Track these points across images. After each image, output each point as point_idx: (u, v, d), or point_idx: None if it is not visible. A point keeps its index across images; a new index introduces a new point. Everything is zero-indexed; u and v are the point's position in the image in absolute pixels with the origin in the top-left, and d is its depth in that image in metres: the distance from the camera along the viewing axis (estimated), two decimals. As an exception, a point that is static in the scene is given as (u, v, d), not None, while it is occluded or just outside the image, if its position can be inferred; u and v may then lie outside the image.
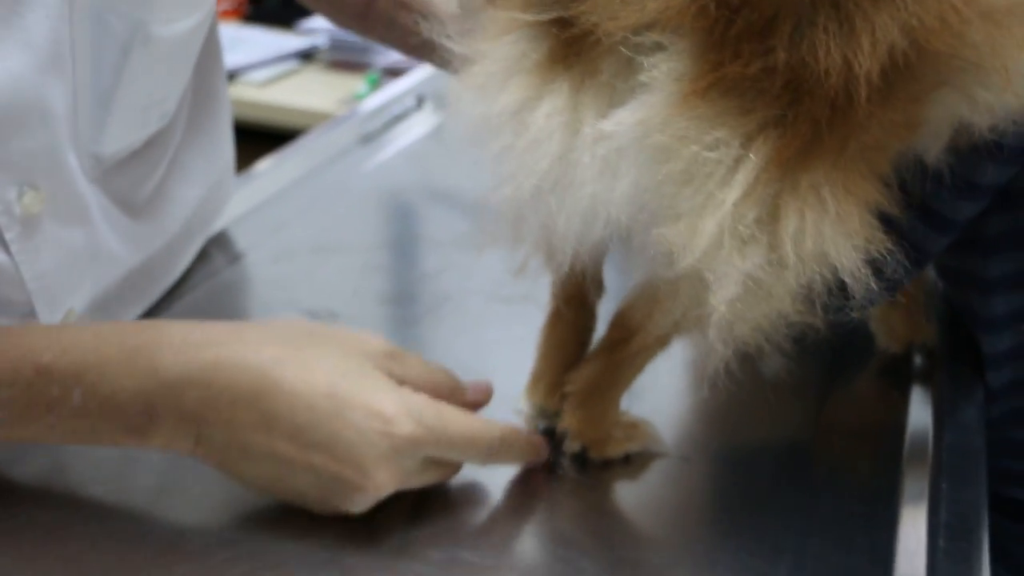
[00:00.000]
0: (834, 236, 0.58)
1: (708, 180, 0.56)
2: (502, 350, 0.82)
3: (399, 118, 1.28)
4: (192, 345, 0.60)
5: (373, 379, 0.62)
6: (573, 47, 0.59)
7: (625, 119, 0.57)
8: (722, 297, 0.57)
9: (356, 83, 2.23)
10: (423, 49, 0.89)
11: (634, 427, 0.72)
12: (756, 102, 0.55)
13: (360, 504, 0.61)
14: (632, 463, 0.72)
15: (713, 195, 0.56)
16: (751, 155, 0.55)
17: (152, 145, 0.80)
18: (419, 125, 1.28)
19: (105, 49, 0.70)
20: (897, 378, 0.82)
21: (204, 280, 0.93)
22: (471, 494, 0.68)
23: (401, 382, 0.63)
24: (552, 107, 0.59)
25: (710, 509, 0.70)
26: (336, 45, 2.35)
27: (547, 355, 0.73)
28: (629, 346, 0.68)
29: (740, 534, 0.65)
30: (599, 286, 0.72)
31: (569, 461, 0.71)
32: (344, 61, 2.32)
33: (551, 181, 0.59)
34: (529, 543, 0.67)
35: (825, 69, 0.55)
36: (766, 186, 0.56)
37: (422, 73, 1.39)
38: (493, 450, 0.65)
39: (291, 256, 0.97)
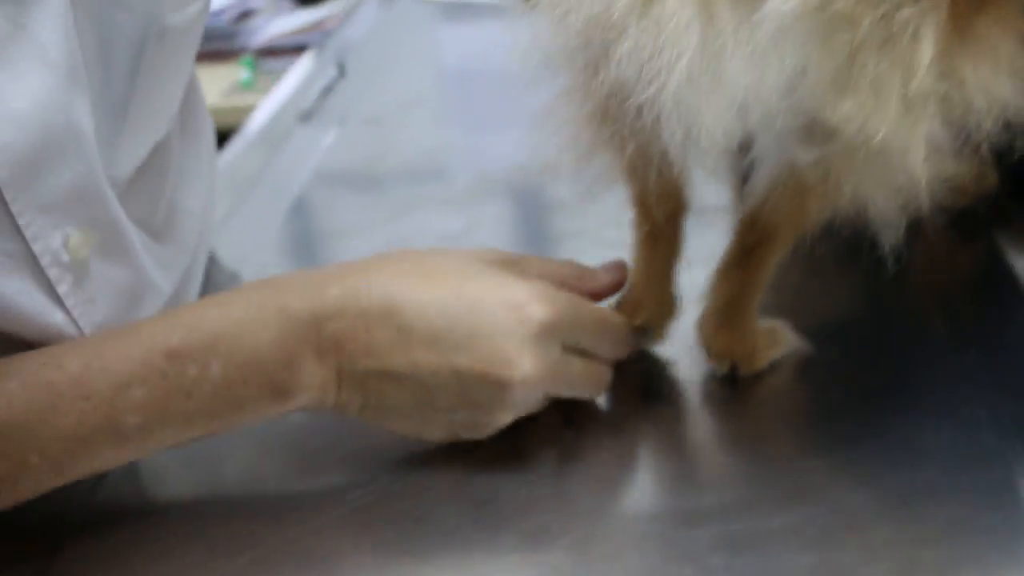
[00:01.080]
0: (1005, 78, 0.54)
1: (898, 43, 0.50)
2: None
3: (328, 90, 1.19)
4: (314, 285, 0.59)
5: (498, 275, 0.60)
6: None
7: None
8: (918, 159, 0.52)
9: (232, 71, 2.09)
10: None
11: (773, 331, 0.68)
12: None
13: (510, 407, 0.59)
14: (777, 370, 0.67)
15: (903, 59, 0.50)
16: (937, 6, 0.50)
17: (157, 154, 0.70)
18: (349, 95, 1.18)
19: (117, 52, 0.60)
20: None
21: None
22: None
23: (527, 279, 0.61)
24: None
25: (863, 394, 0.66)
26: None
27: (652, 279, 0.67)
28: (766, 249, 0.63)
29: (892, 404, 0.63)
30: (688, 200, 0.66)
31: (719, 382, 0.66)
32: (210, 52, 2.18)
33: (694, 77, 0.52)
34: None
35: None
36: (948, 40, 0.51)
37: (335, 40, 1.30)
38: (622, 336, 0.64)
39: (289, 260, 0.89)
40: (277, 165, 1.03)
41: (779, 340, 0.67)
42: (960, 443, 0.60)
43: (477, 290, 0.59)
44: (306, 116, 1.12)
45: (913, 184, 0.55)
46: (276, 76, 1.44)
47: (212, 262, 0.86)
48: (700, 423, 0.64)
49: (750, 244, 0.64)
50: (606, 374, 0.64)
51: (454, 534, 0.57)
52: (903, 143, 0.52)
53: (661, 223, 0.65)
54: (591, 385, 0.63)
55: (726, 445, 0.62)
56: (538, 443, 0.62)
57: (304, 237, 0.92)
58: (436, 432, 0.61)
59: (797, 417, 0.64)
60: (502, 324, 0.58)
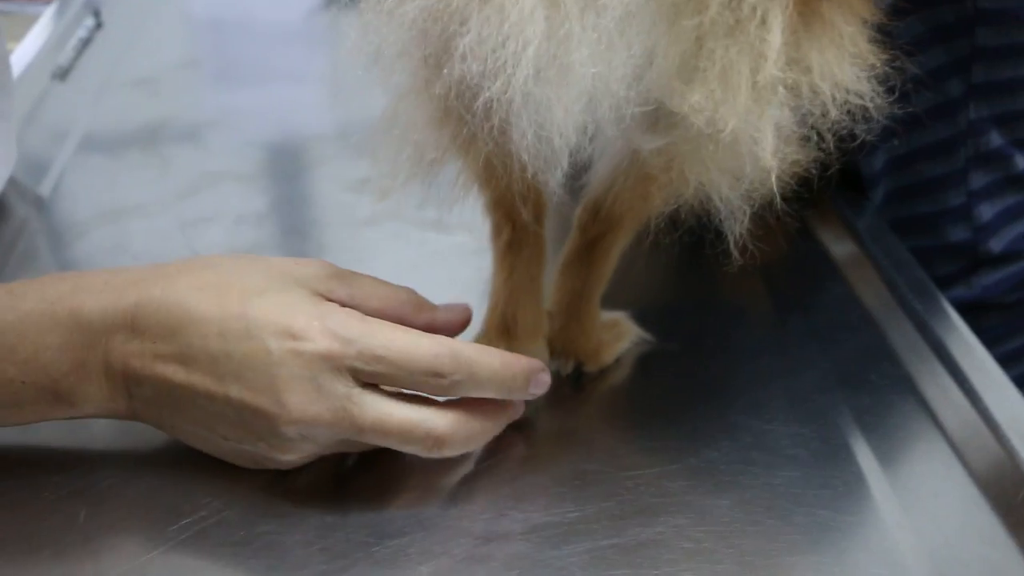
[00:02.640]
0: (850, 63, 0.53)
1: (747, 29, 0.48)
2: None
3: (86, 42, 1.07)
4: (114, 288, 0.54)
5: (293, 297, 0.54)
6: None
7: None
8: (768, 151, 0.51)
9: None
10: None
11: (616, 324, 0.66)
12: None
13: (290, 446, 0.53)
14: (621, 363, 0.65)
15: (752, 44, 0.48)
16: None
17: None
18: (110, 51, 1.08)
19: None
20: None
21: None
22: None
23: (348, 304, 0.55)
24: None
25: (706, 385, 0.65)
26: None
27: (519, 293, 0.62)
28: (609, 240, 0.61)
29: (736, 407, 0.62)
30: (548, 199, 0.61)
31: (565, 384, 0.63)
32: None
33: (542, 68, 0.47)
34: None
35: None
36: (794, 25, 0.50)
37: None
38: (444, 374, 0.53)
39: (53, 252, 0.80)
40: (33, 132, 0.92)
41: (623, 333, 0.65)
42: (810, 438, 0.60)
43: (261, 311, 0.53)
44: (62, 74, 1.01)
45: (761, 173, 0.53)
46: (10, 20, 1.31)
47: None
48: (547, 430, 0.61)
49: (592, 236, 0.61)
50: (432, 422, 0.54)
51: (305, 567, 0.51)
52: (752, 133, 0.50)
53: (522, 228, 0.61)
54: (403, 435, 0.54)
55: (579, 452, 0.59)
56: (379, 466, 0.57)
57: (72, 219, 0.82)
58: (236, 459, 0.56)
59: (647, 418, 0.62)
60: (276, 354, 0.52)
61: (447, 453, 0.55)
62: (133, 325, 0.53)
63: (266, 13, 1.26)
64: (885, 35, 0.61)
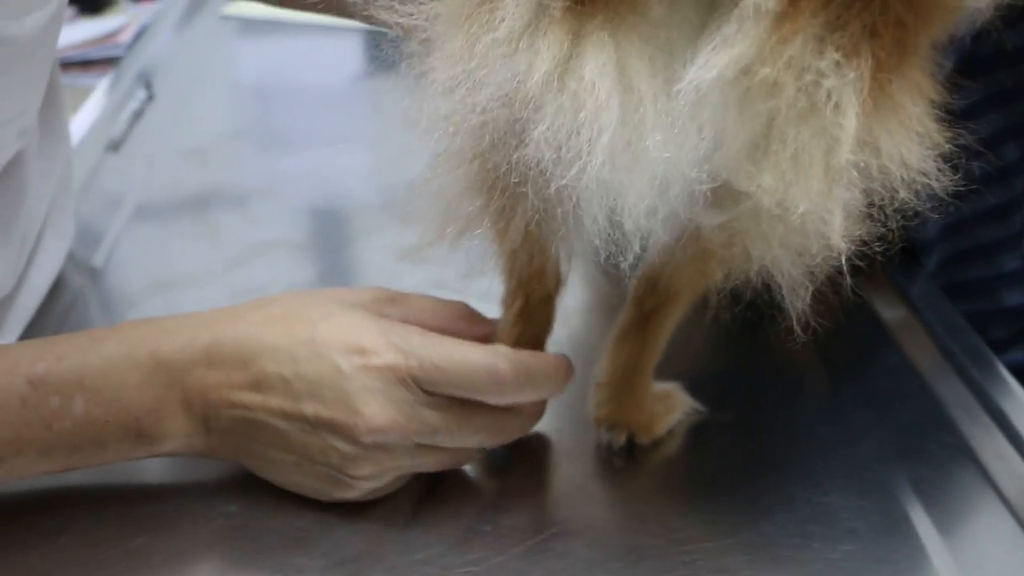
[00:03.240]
0: (917, 143, 0.52)
1: (821, 113, 0.47)
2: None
3: (138, 115, 1.09)
4: (188, 329, 0.57)
5: (355, 318, 0.58)
6: None
7: (716, 60, 0.46)
8: (837, 232, 0.50)
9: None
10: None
11: (669, 396, 0.65)
12: (851, 10, 0.46)
13: (366, 459, 0.56)
14: (674, 434, 0.65)
15: (827, 128, 0.47)
16: (860, 75, 0.47)
17: (12, 169, 0.66)
18: (161, 122, 1.09)
19: None
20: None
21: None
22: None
23: (404, 322, 0.59)
24: (599, 63, 0.46)
25: (761, 457, 0.64)
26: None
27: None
28: (664, 313, 0.61)
29: (792, 479, 0.61)
30: (565, 276, 0.62)
31: (617, 456, 0.63)
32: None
33: (616, 154, 0.47)
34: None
35: None
36: (867, 107, 0.49)
37: (137, 59, 1.20)
38: (502, 380, 0.57)
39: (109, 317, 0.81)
40: (87, 203, 0.93)
41: (675, 404, 0.65)
42: (868, 511, 0.59)
43: (327, 333, 0.56)
44: (115, 146, 1.03)
45: (825, 250, 0.53)
46: (66, 92, 1.33)
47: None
48: (601, 502, 0.60)
49: (648, 309, 0.61)
50: (498, 425, 0.59)
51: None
52: (822, 214, 0.49)
53: (536, 300, 0.61)
54: (471, 434, 0.58)
55: (633, 526, 0.58)
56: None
57: (124, 289, 0.83)
58: (307, 485, 0.58)
59: (700, 491, 0.61)
60: (346, 370, 0.55)
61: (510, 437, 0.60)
62: (209, 360, 0.56)
63: (311, 79, 1.28)
64: (945, 104, 0.60)
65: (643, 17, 0.46)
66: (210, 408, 0.57)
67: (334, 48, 1.34)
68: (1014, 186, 0.80)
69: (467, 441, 0.58)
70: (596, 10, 0.46)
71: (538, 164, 0.48)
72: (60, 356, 0.56)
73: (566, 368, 0.59)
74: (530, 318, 0.61)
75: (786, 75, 0.45)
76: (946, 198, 0.74)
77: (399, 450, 0.56)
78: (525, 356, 0.58)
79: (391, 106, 0.53)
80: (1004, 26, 0.74)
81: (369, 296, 0.60)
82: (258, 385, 0.56)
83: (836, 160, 0.47)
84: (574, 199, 0.48)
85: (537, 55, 0.46)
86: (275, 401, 0.56)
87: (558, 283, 0.61)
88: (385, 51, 0.53)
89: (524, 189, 0.50)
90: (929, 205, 0.64)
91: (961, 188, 0.73)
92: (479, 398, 0.57)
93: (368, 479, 0.57)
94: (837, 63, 0.46)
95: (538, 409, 0.60)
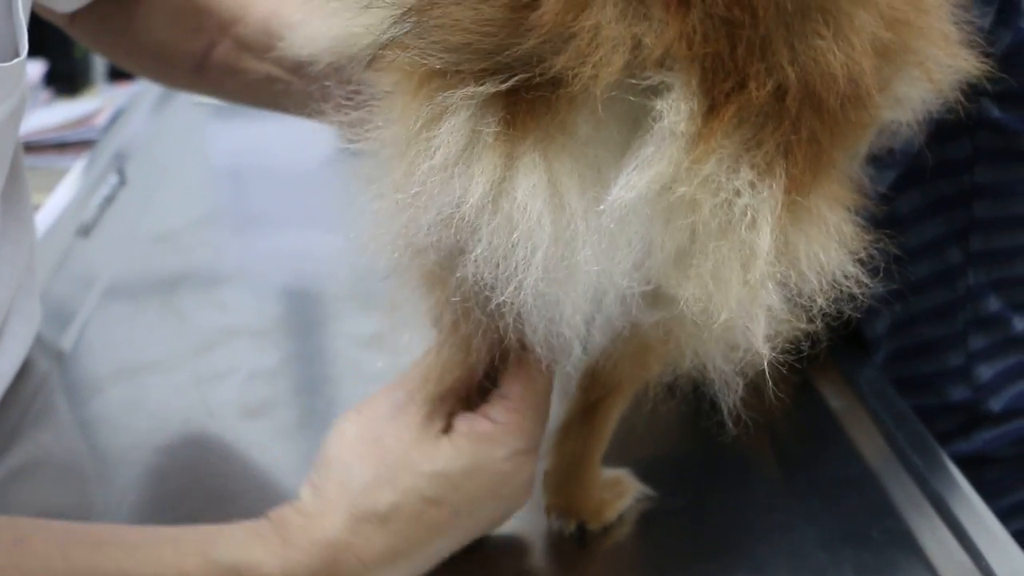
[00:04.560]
0: (836, 250, 0.54)
1: (738, 228, 0.49)
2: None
3: (110, 200, 1.11)
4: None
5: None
6: (532, 110, 0.49)
7: (636, 180, 0.48)
8: (760, 337, 0.52)
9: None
10: (288, 99, 0.78)
11: (618, 482, 0.67)
12: (764, 129, 0.49)
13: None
14: (624, 520, 0.66)
15: (745, 242, 0.49)
16: (774, 192, 0.49)
17: None
18: (133, 207, 1.12)
19: None
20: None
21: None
22: None
23: None
24: (531, 184, 0.49)
25: (710, 542, 0.66)
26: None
27: None
28: (608, 403, 0.63)
29: (739, 564, 0.63)
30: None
31: (568, 542, 0.64)
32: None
33: (550, 270, 0.49)
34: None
35: (833, 76, 0.50)
36: (783, 219, 0.51)
37: (110, 143, 1.22)
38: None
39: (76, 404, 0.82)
40: (57, 286, 0.95)
41: (624, 490, 0.66)
42: (812, 597, 0.60)
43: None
44: (86, 230, 1.05)
45: (753, 352, 0.55)
46: (40, 174, 1.35)
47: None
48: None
49: (593, 400, 0.63)
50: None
51: None
52: (745, 322, 0.51)
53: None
54: None
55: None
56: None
57: (91, 373, 0.85)
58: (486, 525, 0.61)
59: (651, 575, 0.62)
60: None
61: None
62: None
63: (282, 163, 1.30)
64: (884, 209, 0.63)
65: (571, 137, 0.49)
66: None
67: (306, 132, 1.35)
68: (957, 287, 0.83)
69: None
70: (527, 132, 0.48)
71: (478, 282, 0.50)
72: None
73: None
74: None
75: (702, 193, 0.48)
76: (891, 293, 0.78)
77: None
78: None
79: (352, 199, 0.56)
80: (947, 138, 0.78)
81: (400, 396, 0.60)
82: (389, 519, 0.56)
83: (753, 273, 0.49)
84: (515, 313, 0.51)
85: (472, 180, 0.49)
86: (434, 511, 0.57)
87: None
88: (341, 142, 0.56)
89: (469, 304, 0.52)
90: (874, 300, 0.66)
91: (905, 284, 0.76)
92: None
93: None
94: (751, 182, 0.48)
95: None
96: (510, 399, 0.58)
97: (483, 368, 0.60)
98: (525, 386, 0.59)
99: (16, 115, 0.64)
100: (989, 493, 0.69)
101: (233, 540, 0.55)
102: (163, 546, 0.55)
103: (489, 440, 0.57)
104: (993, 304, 0.83)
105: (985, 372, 0.84)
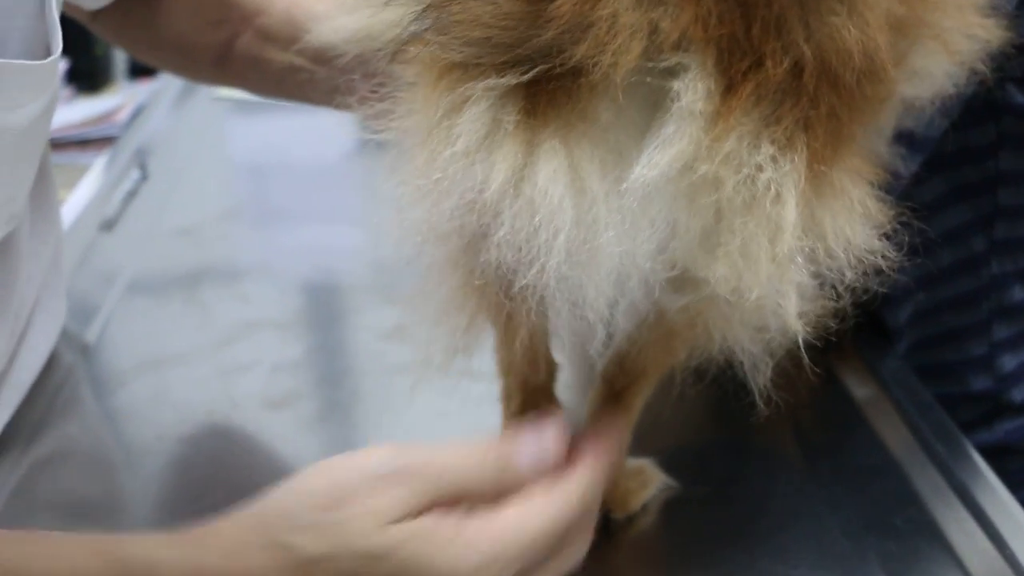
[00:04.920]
0: (860, 224, 0.54)
1: (762, 204, 0.49)
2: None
3: (132, 194, 1.12)
4: None
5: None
6: (553, 99, 0.49)
7: (658, 159, 0.48)
8: (792, 314, 0.52)
9: None
10: (312, 89, 0.79)
11: (642, 471, 0.67)
12: (783, 106, 0.49)
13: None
14: (648, 509, 0.66)
15: (771, 216, 0.50)
16: (796, 166, 0.49)
17: (3, 251, 0.67)
18: (154, 202, 1.12)
19: None
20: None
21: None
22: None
23: None
24: (552, 169, 0.49)
25: (734, 530, 0.66)
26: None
27: None
28: (633, 391, 0.63)
29: (762, 552, 0.63)
30: (555, 367, 0.64)
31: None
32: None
33: (572, 252, 0.50)
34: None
35: (849, 52, 0.50)
36: (807, 193, 0.51)
37: (132, 139, 1.23)
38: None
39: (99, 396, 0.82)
40: (81, 280, 0.95)
41: (648, 480, 0.67)
42: (836, 585, 0.60)
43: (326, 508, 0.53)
44: (109, 225, 1.05)
45: (784, 331, 0.55)
46: (63, 170, 1.36)
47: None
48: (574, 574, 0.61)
49: (618, 388, 0.63)
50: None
51: None
52: (776, 298, 0.51)
53: (533, 393, 0.63)
54: None
55: (608, 598, 0.60)
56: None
57: (115, 366, 0.85)
58: None
59: (674, 565, 0.63)
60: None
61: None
62: None
63: (303, 157, 1.30)
64: (910, 195, 0.63)
65: (592, 123, 0.49)
66: None
67: (326, 126, 1.36)
68: (981, 276, 0.83)
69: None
70: (548, 120, 0.49)
71: (501, 266, 0.50)
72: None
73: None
74: (528, 414, 0.63)
75: (725, 170, 0.48)
76: (914, 281, 0.77)
77: None
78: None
79: (376, 188, 0.56)
80: (971, 124, 0.77)
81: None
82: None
83: (781, 247, 0.49)
84: (538, 296, 0.51)
85: (493, 167, 0.49)
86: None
87: (551, 368, 0.63)
88: (365, 133, 0.56)
89: (493, 290, 0.52)
90: (898, 288, 0.66)
91: (929, 272, 0.76)
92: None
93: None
94: (773, 156, 0.48)
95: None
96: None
97: None
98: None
99: (48, 112, 0.65)
100: (1011, 483, 0.69)
101: (146, 541, 0.53)
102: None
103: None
104: (1018, 293, 0.83)
105: (1009, 362, 0.84)
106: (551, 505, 0.53)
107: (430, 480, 0.52)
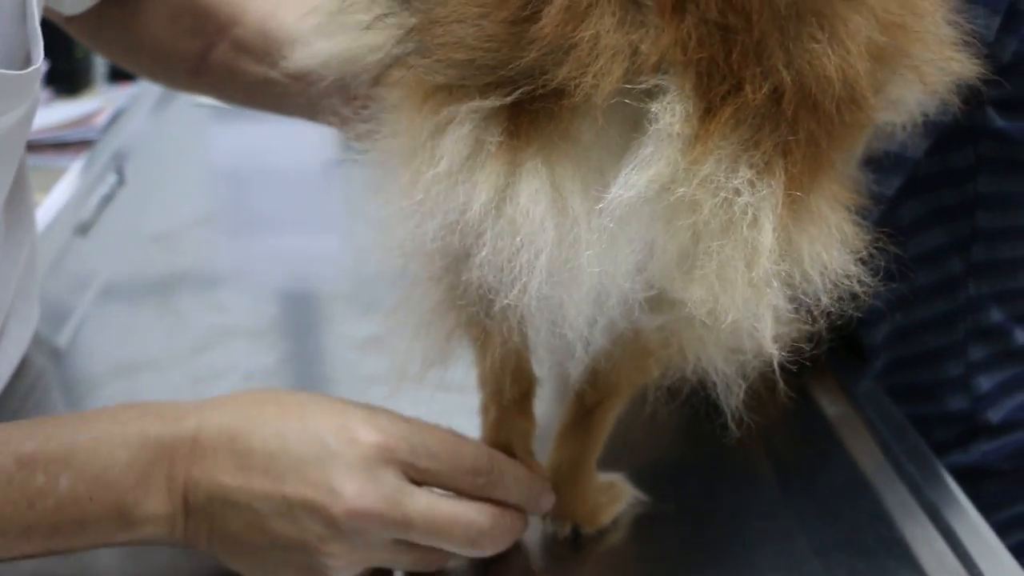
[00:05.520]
0: (837, 249, 0.55)
1: (740, 226, 0.49)
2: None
3: (108, 199, 1.11)
4: (175, 413, 0.58)
5: (348, 403, 0.59)
6: (535, 120, 0.50)
7: (635, 180, 0.48)
8: (767, 338, 0.52)
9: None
10: (287, 103, 0.78)
11: (612, 486, 0.67)
12: (762, 131, 0.49)
13: (342, 544, 0.56)
14: (618, 524, 0.66)
15: (748, 240, 0.50)
16: (774, 191, 0.50)
17: None
18: (131, 207, 1.12)
19: None
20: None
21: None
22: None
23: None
24: (533, 190, 0.49)
25: (704, 547, 0.66)
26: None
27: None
28: (605, 407, 0.63)
29: (732, 569, 0.64)
30: (535, 381, 0.64)
31: (563, 546, 0.64)
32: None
33: (554, 272, 0.50)
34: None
35: (829, 79, 0.50)
36: (785, 218, 0.51)
37: (110, 143, 1.22)
38: (482, 472, 0.59)
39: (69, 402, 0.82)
40: (54, 284, 0.95)
41: (619, 494, 0.66)
42: (805, 603, 0.60)
43: (318, 415, 0.58)
44: (84, 229, 1.05)
45: (759, 354, 0.55)
46: (39, 173, 1.35)
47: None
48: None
49: (590, 404, 0.63)
50: (474, 516, 0.58)
51: None
52: (752, 321, 0.51)
53: (513, 403, 0.63)
54: (449, 527, 0.57)
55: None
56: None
57: (87, 371, 0.85)
58: (283, 573, 0.58)
59: (643, 581, 0.62)
60: (331, 448, 0.56)
61: (484, 550, 0.59)
62: (196, 439, 0.57)
63: (283, 165, 1.30)
64: (887, 217, 0.64)
65: (574, 144, 0.49)
66: (191, 487, 0.57)
67: (305, 135, 1.36)
68: (958, 297, 0.83)
69: (443, 543, 0.58)
70: (530, 141, 0.49)
71: (482, 285, 0.51)
72: (49, 435, 0.57)
73: (541, 485, 0.62)
74: (508, 424, 0.63)
75: (702, 193, 0.48)
76: (891, 302, 0.78)
77: (374, 540, 0.56)
78: (503, 458, 0.61)
79: (358, 203, 0.56)
80: (950, 147, 0.78)
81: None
82: (242, 464, 0.56)
83: (758, 271, 0.49)
84: (518, 315, 0.51)
85: (475, 187, 0.49)
86: (256, 482, 0.56)
87: (532, 382, 0.63)
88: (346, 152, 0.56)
89: (474, 308, 0.53)
90: (875, 309, 0.66)
91: (905, 293, 0.76)
92: (457, 489, 0.58)
93: (341, 569, 0.57)
94: (751, 180, 0.49)
95: (520, 522, 0.61)
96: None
97: None
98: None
99: (27, 119, 0.64)
100: (988, 506, 0.69)
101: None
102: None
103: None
104: (995, 315, 0.83)
105: (984, 383, 0.84)
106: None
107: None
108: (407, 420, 0.59)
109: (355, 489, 0.55)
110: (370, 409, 0.59)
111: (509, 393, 0.61)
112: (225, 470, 0.56)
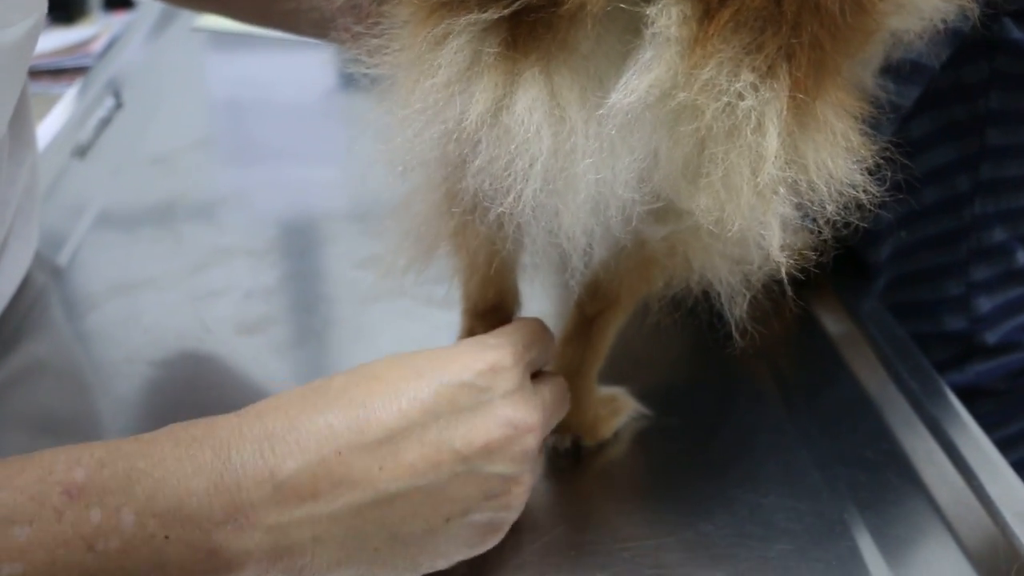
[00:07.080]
0: (843, 158, 0.54)
1: (744, 133, 0.49)
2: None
3: (106, 122, 1.10)
4: (261, 413, 0.49)
5: (419, 352, 0.54)
6: (533, 31, 0.49)
7: (635, 85, 0.47)
8: (775, 246, 0.52)
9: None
10: (295, 19, 0.77)
11: (614, 399, 0.67)
12: (764, 34, 0.48)
13: (528, 470, 0.53)
14: (619, 437, 0.66)
15: (752, 145, 0.49)
16: (778, 95, 0.49)
17: None
18: (129, 130, 1.11)
19: None
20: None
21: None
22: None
23: None
24: (530, 99, 0.49)
25: (704, 460, 0.66)
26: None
27: None
28: (607, 318, 0.62)
29: (732, 481, 0.63)
30: (518, 294, 0.63)
31: (562, 457, 0.64)
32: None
33: (549, 180, 0.49)
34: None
35: None
36: (790, 123, 0.51)
37: (107, 68, 1.21)
38: (547, 340, 0.59)
39: (72, 319, 0.82)
40: (53, 206, 0.94)
41: (621, 407, 0.66)
42: (805, 513, 0.60)
43: (433, 367, 0.52)
44: (82, 151, 1.04)
45: (765, 263, 0.55)
46: (36, 99, 1.34)
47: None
48: (544, 502, 0.62)
49: (591, 314, 0.62)
50: (561, 381, 0.59)
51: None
52: (759, 229, 0.51)
53: (486, 314, 0.63)
54: (563, 401, 0.59)
55: (575, 523, 0.60)
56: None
57: (86, 289, 0.84)
58: (455, 549, 0.52)
59: (644, 491, 0.63)
60: (479, 384, 0.51)
61: None
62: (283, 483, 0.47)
63: (283, 94, 1.29)
64: (897, 131, 0.63)
65: (572, 52, 0.49)
66: (315, 504, 0.47)
67: (305, 62, 1.36)
68: (963, 216, 0.82)
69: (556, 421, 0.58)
70: (528, 52, 0.49)
71: (478, 193, 0.50)
72: (102, 461, 0.46)
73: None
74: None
75: (704, 98, 0.47)
76: (896, 219, 0.77)
77: (535, 454, 0.54)
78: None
79: (360, 121, 0.56)
80: (964, 61, 0.77)
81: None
82: (378, 447, 0.49)
83: (764, 178, 0.49)
84: (514, 223, 0.51)
85: (473, 96, 0.49)
86: (411, 455, 0.49)
87: (516, 300, 0.63)
88: (356, 67, 0.56)
89: (471, 216, 0.52)
90: (880, 226, 0.66)
91: (911, 210, 0.76)
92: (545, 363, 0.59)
93: (519, 508, 0.54)
94: (753, 84, 0.48)
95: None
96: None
97: None
98: None
99: (35, 32, 0.63)
100: (983, 426, 0.69)
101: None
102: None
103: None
104: (998, 235, 0.83)
105: (984, 304, 0.84)
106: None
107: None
108: (484, 333, 0.56)
109: (523, 410, 0.52)
110: (451, 345, 0.55)
111: (482, 303, 0.61)
112: (364, 469, 0.48)
